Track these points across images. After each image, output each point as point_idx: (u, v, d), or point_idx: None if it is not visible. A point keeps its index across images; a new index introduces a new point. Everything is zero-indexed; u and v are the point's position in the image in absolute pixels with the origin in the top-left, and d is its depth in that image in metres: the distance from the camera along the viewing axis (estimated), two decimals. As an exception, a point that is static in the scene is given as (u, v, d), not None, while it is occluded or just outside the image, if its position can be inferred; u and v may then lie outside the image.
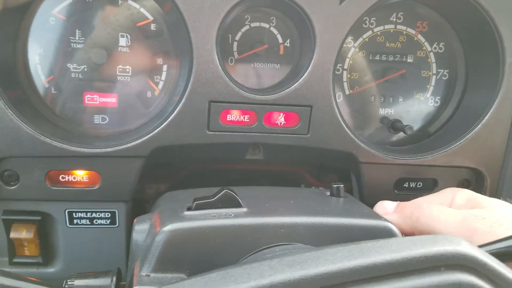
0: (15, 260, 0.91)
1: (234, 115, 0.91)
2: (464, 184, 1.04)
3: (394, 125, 1.04)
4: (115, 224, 0.93)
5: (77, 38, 0.89)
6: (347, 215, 0.72)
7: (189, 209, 0.71)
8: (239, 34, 0.94)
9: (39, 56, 0.89)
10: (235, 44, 0.95)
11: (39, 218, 0.90)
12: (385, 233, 0.71)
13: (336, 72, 0.98)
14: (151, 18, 0.91)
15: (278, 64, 0.97)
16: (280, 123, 0.92)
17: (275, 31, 0.95)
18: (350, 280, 0.50)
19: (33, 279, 0.59)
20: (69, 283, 0.70)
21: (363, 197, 1.01)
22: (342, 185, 0.84)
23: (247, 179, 1.12)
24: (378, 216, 0.74)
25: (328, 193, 0.86)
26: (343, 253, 0.53)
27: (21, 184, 0.86)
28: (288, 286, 0.48)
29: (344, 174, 1.10)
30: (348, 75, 1.02)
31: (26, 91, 0.89)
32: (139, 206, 1.02)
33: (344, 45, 0.92)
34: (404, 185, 1.03)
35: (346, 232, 0.70)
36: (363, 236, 0.71)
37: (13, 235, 0.88)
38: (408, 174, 1.01)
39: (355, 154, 0.96)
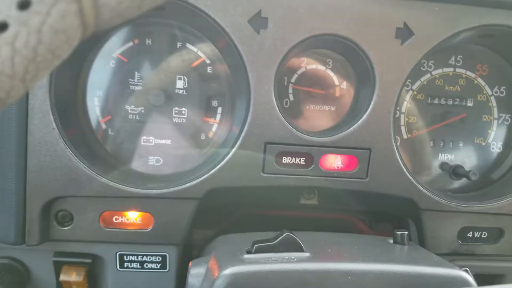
0: (63, 304, 0.89)
1: (290, 158, 0.88)
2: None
3: (456, 171, 0.99)
4: (166, 268, 0.90)
5: (136, 80, 0.91)
6: (417, 263, 0.67)
7: (248, 252, 0.68)
8: (295, 76, 0.94)
9: (97, 98, 0.91)
10: (291, 86, 0.94)
11: (89, 260, 0.88)
12: (459, 282, 0.65)
13: (395, 115, 0.96)
14: (207, 59, 0.92)
15: (334, 107, 0.95)
16: (337, 166, 0.89)
17: (331, 73, 0.94)
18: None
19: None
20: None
21: (424, 247, 0.94)
22: (406, 232, 0.79)
23: (298, 225, 1.08)
24: (450, 264, 0.68)
25: (391, 241, 0.81)
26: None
27: (74, 225, 0.85)
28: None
29: (399, 223, 1.04)
30: (406, 119, 0.99)
31: (84, 131, 0.90)
32: (187, 252, 0.99)
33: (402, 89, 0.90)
34: (468, 235, 0.96)
35: (418, 280, 0.64)
36: (436, 285, 0.65)
37: (62, 277, 0.87)
38: (472, 222, 0.95)
39: (416, 200, 0.91)
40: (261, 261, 0.64)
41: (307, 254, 0.67)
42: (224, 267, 0.63)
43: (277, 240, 0.68)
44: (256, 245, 0.68)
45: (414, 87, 0.99)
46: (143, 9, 0.35)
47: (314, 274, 0.63)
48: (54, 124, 0.80)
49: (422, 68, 0.98)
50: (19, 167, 0.79)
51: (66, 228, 0.85)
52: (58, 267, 0.87)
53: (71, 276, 0.87)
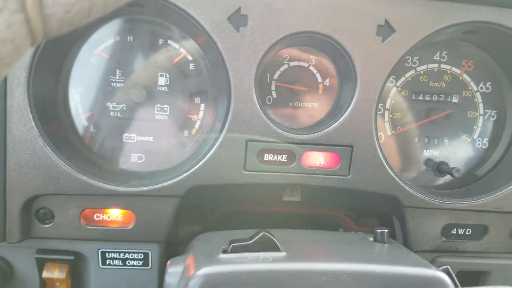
0: (46, 301, 0.89)
1: (272, 155, 0.88)
2: (517, 232, 0.97)
3: (440, 168, 0.98)
4: (148, 265, 0.90)
5: (117, 77, 0.91)
6: (395, 263, 0.67)
7: (224, 251, 0.68)
8: (278, 73, 0.93)
9: (79, 94, 0.90)
10: (273, 83, 0.94)
11: (72, 257, 0.88)
12: (437, 284, 0.65)
13: (377, 112, 0.95)
14: (188, 56, 0.91)
15: (317, 103, 0.95)
16: (320, 163, 0.89)
17: (314, 70, 0.94)
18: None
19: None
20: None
21: (407, 244, 0.95)
22: (387, 230, 0.79)
23: (283, 222, 1.08)
24: (428, 265, 0.68)
25: (371, 239, 0.81)
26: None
27: (56, 223, 0.85)
28: None
29: (386, 218, 1.04)
30: (390, 115, 0.99)
31: (65, 128, 0.90)
32: (172, 248, 0.99)
33: (385, 85, 0.89)
34: (452, 232, 0.96)
35: (395, 281, 0.64)
36: (413, 286, 0.65)
37: (45, 274, 0.87)
38: (456, 219, 0.95)
39: (399, 198, 0.91)
40: (236, 261, 0.64)
41: (283, 253, 0.67)
42: (199, 267, 0.63)
43: (253, 240, 0.68)
44: (232, 245, 0.68)
45: (398, 84, 0.98)
46: (93, 17, 0.34)
47: (289, 274, 0.63)
48: (33, 122, 0.80)
49: (406, 64, 0.98)
50: None
51: (47, 225, 0.85)
52: (41, 264, 0.88)
53: (54, 273, 0.87)
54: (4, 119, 0.79)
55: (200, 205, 1.03)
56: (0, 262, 0.89)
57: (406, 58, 0.98)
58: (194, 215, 1.08)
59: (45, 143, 0.80)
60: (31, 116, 0.79)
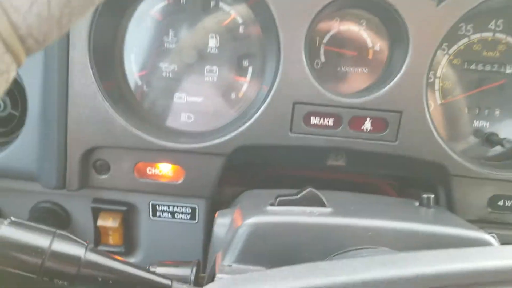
0: (99, 248, 0.95)
1: (319, 118, 0.89)
2: None
3: (490, 139, 0.96)
4: (195, 219, 0.94)
5: (170, 38, 0.93)
6: (440, 224, 0.67)
7: (272, 205, 0.70)
8: (327, 36, 0.93)
9: (134, 55, 0.94)
10: (322, 47, 0.94)
11: (125, 208, 0.93)
12: (483, 245, 0.65)
13: (428, 79, 0.94)
14: (239, 18, 0.93)
15: (366, 69, 0.94)
16: (366, 128, 0.89)
17: (365, 35, 0.93)
18: (452, 284, 0.46)
19: (121, 258, 0.60)
20: (151, 269, 0.72)
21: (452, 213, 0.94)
22: (433, 195, 0.79)
23: (325, 187, 1.09)
24: (474, 227, 0.68)
25: (417, 204, 0.81)
26: (444, 256, 0.49)
27: (111, 174, 0.90)
28: (382, 285, 0.45)
29: (429, 189, 1.03)
30: (441, 84, 0.97)
31: (120, 86, 0.94)
32: (217, 207, 1.03)
33: (437, 52, 0.88)
34: (499, 203, 0.94)
35: (440, 241, 0.65)
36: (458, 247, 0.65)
37: (100, 223, 0.92)
38: (504, 191, 0.93)
39: (446, 166, 0.90)
40: (282, 213, 0.66)
41: (329, 209, 0.69)
42: (248, 217, 0.65)
43: (300, 195, 0.70)
44: (279, 199, 0.70)
45: (450, 52, 0.96)
46: (64, 30, 0.35)
47: (335, 228, 0.65)
48: (93, 78, 0.84)
49: (459, 32, 0.95)
50: (61, 117, 0.84)
51: (103, 176, 0.90)
52: (96, 213, 0.93)
53: (108, 221, 0.93)
54: (66, 71, 0.83)
55: (245, 165, 1.05)
56: (59, 210, 0.95)
57: (460, 25, 0.95)
58: (237, 177, 1.11)
59: (103, 99, 0.85)
60: (91, 71, 0.83)
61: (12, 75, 0.34)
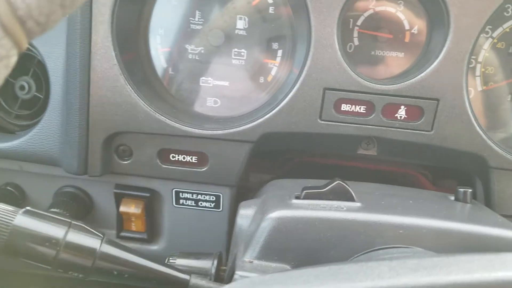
0: (122, 234, 0.94)
1: (350, 105, 0.84)
2: None
3: (534, 129, 0.90)
4: (219, 208, 0.92)
5: (196, 19, 0.90)
6: (478, 223, 0.63)
7: (297, 197, 0.67)
8: (362, 18, 0.88)
9: (159, 36, 0.91)
10: (356, 30, 0.89)
11: (147, 194, 0.92)
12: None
13: (469, 64, 0.88)
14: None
15: (402, 53, 0.89)
16: (400, 116, 0.84)
17: (402, 16, 0.87)
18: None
19: (137, 252, 0.59)
20: (171, 260, 0.70)
21: (490, 207, 0.88)
22: (470, 190, 0.74)
23: (355, 176, 1.05)
24: (516, 228, 0.63)
25: (453, 198, 0.77)
26: (481, 262, 0.45)
27: (134, 160, 0.88)
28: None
29: (465, 180, 0.98)
30: (483, 69, 0.91)
31: (145, 69, 0.91)
32: (243, 194, 1.00)
33: (480, 35, 0.81)
34: (543, 199, 0.88)
35: (477, 242, 0.60)
36: (497, 249, 0.61)
37: (122, 209, 0.91)
38: (547, 186, 0.87)
39: (485, 157, 0.84)
40: (308, 207, 0.63)
41: (358, 204, 0.65)
42: (271, 210, 0.63)
43: (327, 188, 0.66)
44: (305, 191, 0.66)
45: (494, 35, 0.89)
46: (68, 11, 0.32)
47: (363, 225, 0.61)
48: (115, 60, 0.81)
49: (506, 14, 0.88)
50: (83, 101, 0.83)
51: (126, 162, 0.89)
52: (118, 199, 0.92)
53: (131, 208, 0.91)
54: (88, 55, 0.81)
55: (272, 153, 1.02)
56: (82, 195, 0.94)
57: (506, 6, 0.88)
58: (265, 165, 1.08)
59: (126, 82, 0.82)
60: (113, 53, 0.81)
61: (13, 60, 0.31)
